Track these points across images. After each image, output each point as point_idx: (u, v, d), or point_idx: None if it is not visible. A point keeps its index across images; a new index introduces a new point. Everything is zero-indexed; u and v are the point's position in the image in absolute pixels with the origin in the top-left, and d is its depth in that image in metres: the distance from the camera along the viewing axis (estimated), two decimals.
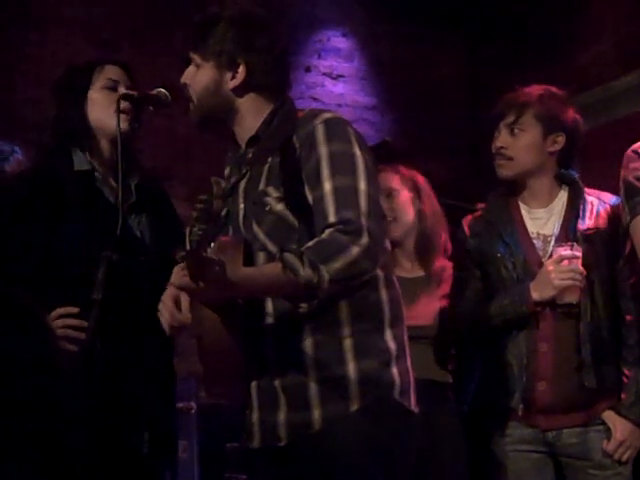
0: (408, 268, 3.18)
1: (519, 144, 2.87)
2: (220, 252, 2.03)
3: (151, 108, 2.67)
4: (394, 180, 3.22)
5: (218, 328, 2.12)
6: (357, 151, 2.18)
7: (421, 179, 3.27)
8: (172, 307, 2.16)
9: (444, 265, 3.15)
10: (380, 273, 2.20)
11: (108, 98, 2.69)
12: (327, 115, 2.24)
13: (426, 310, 3.04)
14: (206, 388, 2.33)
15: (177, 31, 4.98)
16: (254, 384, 2.24)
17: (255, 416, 2.24)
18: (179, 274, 1.99)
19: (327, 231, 2.09)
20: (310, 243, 2.07)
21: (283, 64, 2.38)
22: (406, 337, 2.26)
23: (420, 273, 3.18)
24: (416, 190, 3.22)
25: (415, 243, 3.20)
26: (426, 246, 3.18)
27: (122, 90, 2.68)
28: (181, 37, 4.99)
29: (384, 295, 2.22)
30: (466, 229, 2.99)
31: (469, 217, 3.02)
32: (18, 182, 2.77)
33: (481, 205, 3.02)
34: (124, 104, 2.61)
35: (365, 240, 2.06)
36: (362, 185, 2.13)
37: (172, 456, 2.98)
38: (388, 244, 2.28)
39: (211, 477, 4.11)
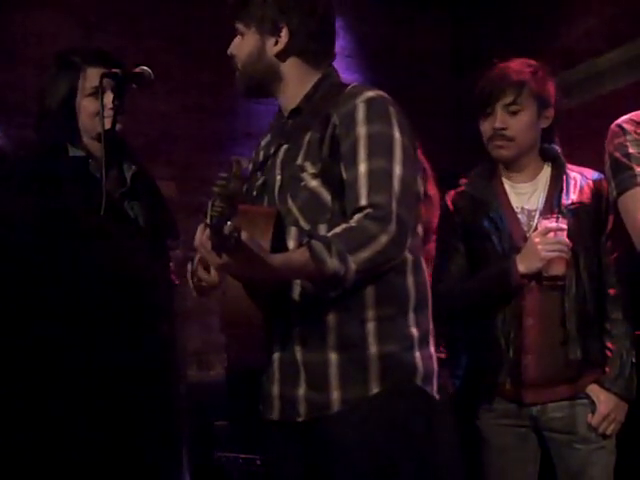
0: None
1: (519, 124, 2.85)
2: (251, 223, 2.01)
3: (134, 86, 2.66)
4: None
5: (242, 297, 2.08)
6: (396, 134, 2.16)
7: (427, 163, 3.27)
8: (201, 268, 2.21)
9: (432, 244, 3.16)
10: (409, 257, 2.20)
11: (96, 107, 2.68)
12: (370, 94, 2.21)
13: None
14: (228, 360, 2.32)
15: (162, 11, 4.96)
16: (276, 357, 2.22)
17: (275, 389, 2.23)
18: (201, 237, 1.98)
19: (356, 217, 2.08)
20: (338, 229, 2.06)
21: (327, 28, 2.36)
22: (431, 323, 2.26)
23: None
24: (422, 171, 3.22)
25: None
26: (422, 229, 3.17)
27: (109, 93, 2.67)
28: (166, 17, 4.98)
29: (410, 279, 2.21)
30: (450, 204, 2.99)
31: (452, 192, 3.03)
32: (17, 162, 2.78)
33: (464, 180, 3.02)
34: (108, 112, 2.62)
35: (393, 227, 2.05)
36: (397, 169, 2.12)
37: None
38: (420, 229, 2.27)
39: (201, 456, 4.12)
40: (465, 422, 2.91)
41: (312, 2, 2.31)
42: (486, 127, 2.90)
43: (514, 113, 2.85)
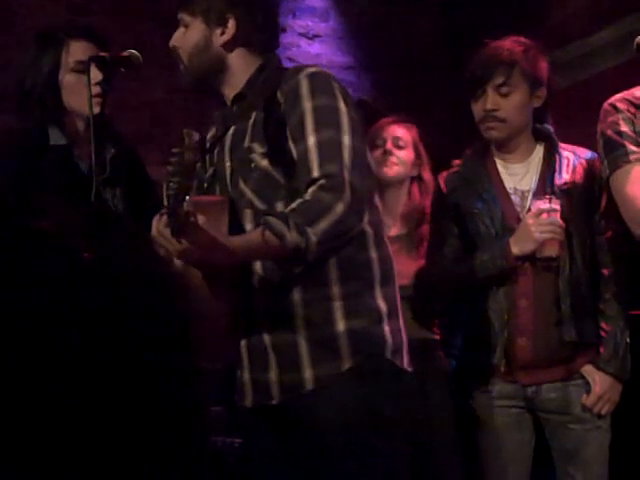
0: (390, 225, 3.18)
1: (511, 105, 2.83)
2: (203, 213, 2.00)
3: (122, 70, 2.63)
4: (407, 135, 3.25)
5: (205, 288, 2.10)
6: (341, 105, 2.18)
7: (424, 149, 3.27)
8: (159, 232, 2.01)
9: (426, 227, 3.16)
10: (369, 231, 2.20)
11: (80, 82, 2.64)
12: (311, 69, 2.24)
13: (408, 269, 3.05)
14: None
15: None
16: (244, 343, 2.24)
17: (247, 375, 2.25)
18: (158, 226, 1.97)
19: (310, 190, 2.08)
20: (294, 205, 2.07)
21: (273, 19, 2.38)
22: (398, 296, 2.27)
23: (402, 230, 3.18)
24: (419, 157, 3.24)
25: (404, 208, 3.20)
26: (414, 214, 3.18)
27: (94, 70, 2.64)
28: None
29: (374, 254, 2.22)
30: (442, 185, 2.98)
31: (444, 173, 3.02)
32: None
33: (457, 161, 3.01)
34: (96, 89, 2.57)
35: (348, 194, 2.06)
36: (346, 139, 2.13)
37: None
38: (378, 201, 2.27)
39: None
40: (461, 402, 2.92)
41: None
42: (478, 108, 2.88)
43: (505, 94, 2.83)
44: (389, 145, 3.19)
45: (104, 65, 2.59)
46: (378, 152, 3.17)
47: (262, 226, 2.03)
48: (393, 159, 3.18)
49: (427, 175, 3.23)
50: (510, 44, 2.87)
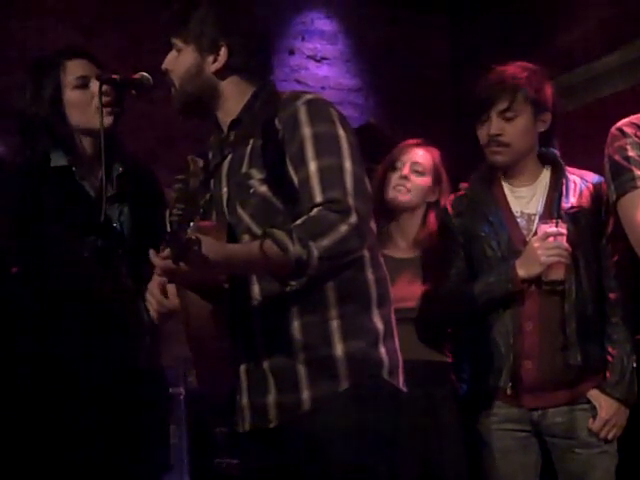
0: (403, 248, 3.17)
1: (514, 130, 2.84)
2: (202, 235, 2.01)
3: (133, 92, 2.65)
4: (428, 161, 3.18)
5: (204, 313, 2.11)
6: (340, 131, 2.18)
7: (445, 174, 3.23)
8: (159, 294, 2.18)
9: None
10: (366, 254, 2.20)
11: (84, 97, 2.67)
12: (309, 96, 2.24)
13: (416, 292, 3.04)
14: (197, 376, 2.33)
15: (160, 15, 4.94)
16: (243, 368, 2.24)
17: (245, 400, 2.24)
18: (159, 258, 1.96)
19: (315, 210, 2.08)
20: (298, 221, 2.07)
21: (265, 46, 2.37)
22: (393, 317, 2.27)
23: (413, 254, 3.16)
24: (439, 183, 3.19)
25: (419, 230, 3.18)
26: (427, 240, 3.14)
27: (94, 82, 2.65)
28: (164, 21, 4.97)
29: (370, 276, 2.21)
30: (449, 208, 2.99)
31: (452, 196, 3.02)
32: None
33: (464, 184, 3.01)
34: (105, 99, 2.59)
35: (354, 219, 2.06)
36: (347, 164, 2.13)
37: (165, 442, 2.99)
38: (373, 225, 2.28)
39: (201, 462, 4.12)
40: (469, 426, 2.92)
41: (251, 21, 2.33)
42: (482, 133, 2.90)
43: (509, 119, 2.84)
44: (406, 171, 3.13)
45: (115, 87, 2.61)
46: (395, 175, 3.14)
47: (264, 237, 2.02)
48: (408, 185, 3.12)
49: (444, 201, 3.19)
50: (514, 69, 2.88)
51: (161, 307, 2.19)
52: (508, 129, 2.85)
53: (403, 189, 3.12)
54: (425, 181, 3.15)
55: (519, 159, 2.89)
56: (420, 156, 3.17)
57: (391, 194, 3.12)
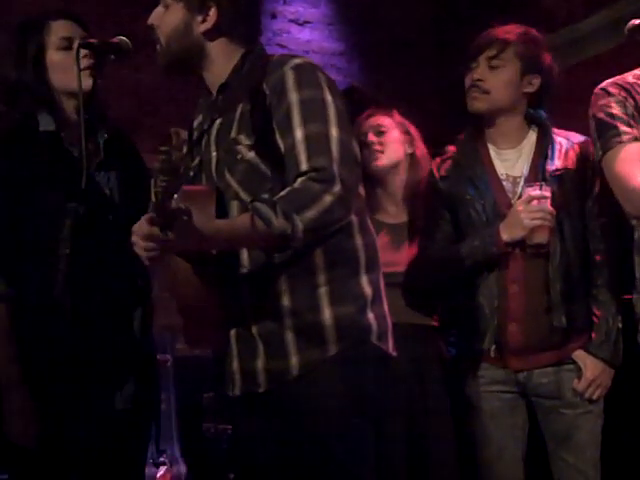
0: (393, 213, 3.19)
1: (497, 78, 2.87)
2: (190, 201, 1.98)
3: (113, 57, 2.61)
4: (386, 120, 3.24)
5: (192, 279, 2.11)
6: (328, 97, 2.16)
7: (413, 126, 3.27)
8: (145, 233, 2.00)
9: None
10: (354, 219, 2.20)
11: (67, 59, 2.63)
12: (297, 61, 2.22)
13: (405, 257, 3.05)
14: (186, 338, 2.33)
15: None
16: (233, 332, 2.24)
17: (235, 364, 2.25)
18: (144, 225, 1.95)
19: (299, 180, 2.07)
20: (282, 193, 2.06)
21: (255, 9, 2.36)
22: (382, 282, 2.27)
23: (404, 218, 3.18)
24: (408, 134, 3.24)
25: (405, 188, 3.20)
26: (414, 192, 3.17)
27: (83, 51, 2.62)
28: None
29: (359, 241, 2.22)
30: (435, 171, 2.99)
31: (437, 159, 3.03)
32: None
33: (451, 147, 3.01)
34: (85, 61, 2.55)
35: (338, 188, 2.05)
36: (334, 131, 2.12)
37: (156, 408, 3.00)
38: (362, 190, 2.27)
39: (189, 428, 4.13)
40: (456, 388, 2.94)
41: None
42: (467, 79, 2.92)
43: (494, 67, 2.87)
44: (370, 137, 3.17)
45: (94, 51, 2.58)
46: (364, 148, 3.14)
47: (249, 210, 2.03)
48: (377, 148, 3.16)
49: (420, 150, 3.22)
50: (512, 27, 2.93)
51: (149, 243, 2.02)
52: (491, 77, 2.87)
53: (376, 154, 3.15)
54: (391, 137, 3.20)
55: (497, 113, 2.90)
56: (377, 118, 3.23)
57: (370, 166, 3.13)
